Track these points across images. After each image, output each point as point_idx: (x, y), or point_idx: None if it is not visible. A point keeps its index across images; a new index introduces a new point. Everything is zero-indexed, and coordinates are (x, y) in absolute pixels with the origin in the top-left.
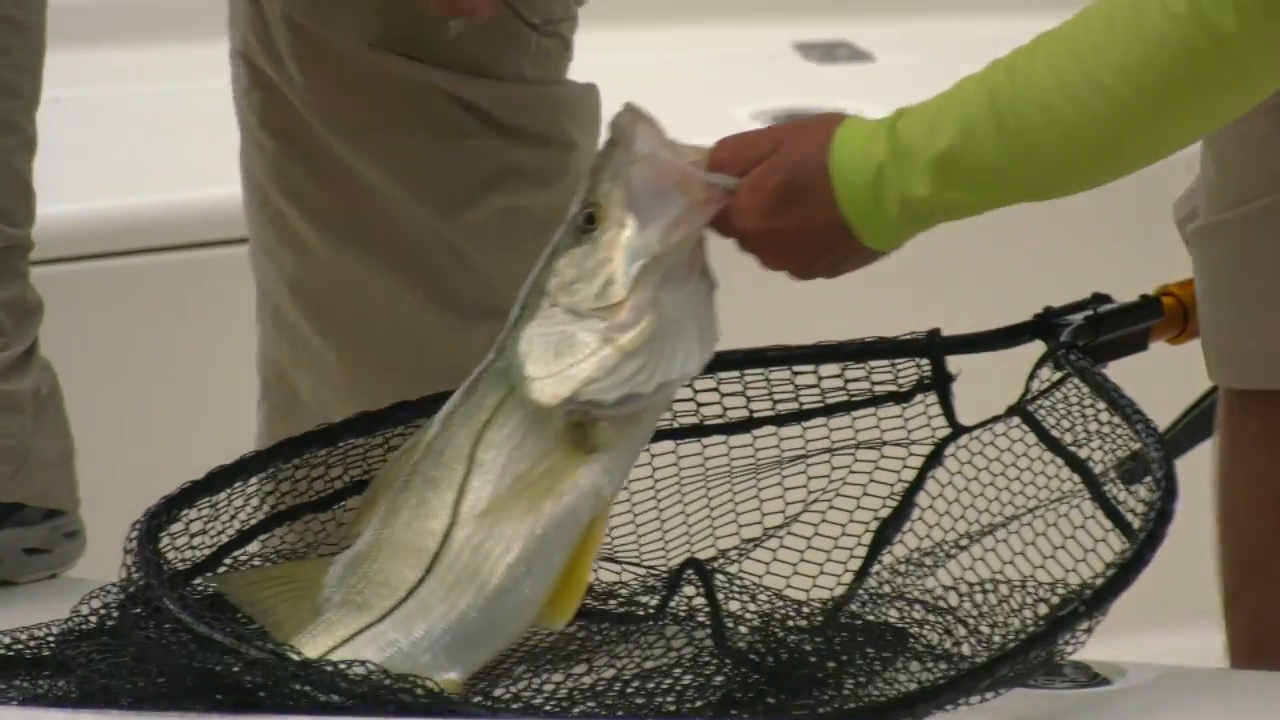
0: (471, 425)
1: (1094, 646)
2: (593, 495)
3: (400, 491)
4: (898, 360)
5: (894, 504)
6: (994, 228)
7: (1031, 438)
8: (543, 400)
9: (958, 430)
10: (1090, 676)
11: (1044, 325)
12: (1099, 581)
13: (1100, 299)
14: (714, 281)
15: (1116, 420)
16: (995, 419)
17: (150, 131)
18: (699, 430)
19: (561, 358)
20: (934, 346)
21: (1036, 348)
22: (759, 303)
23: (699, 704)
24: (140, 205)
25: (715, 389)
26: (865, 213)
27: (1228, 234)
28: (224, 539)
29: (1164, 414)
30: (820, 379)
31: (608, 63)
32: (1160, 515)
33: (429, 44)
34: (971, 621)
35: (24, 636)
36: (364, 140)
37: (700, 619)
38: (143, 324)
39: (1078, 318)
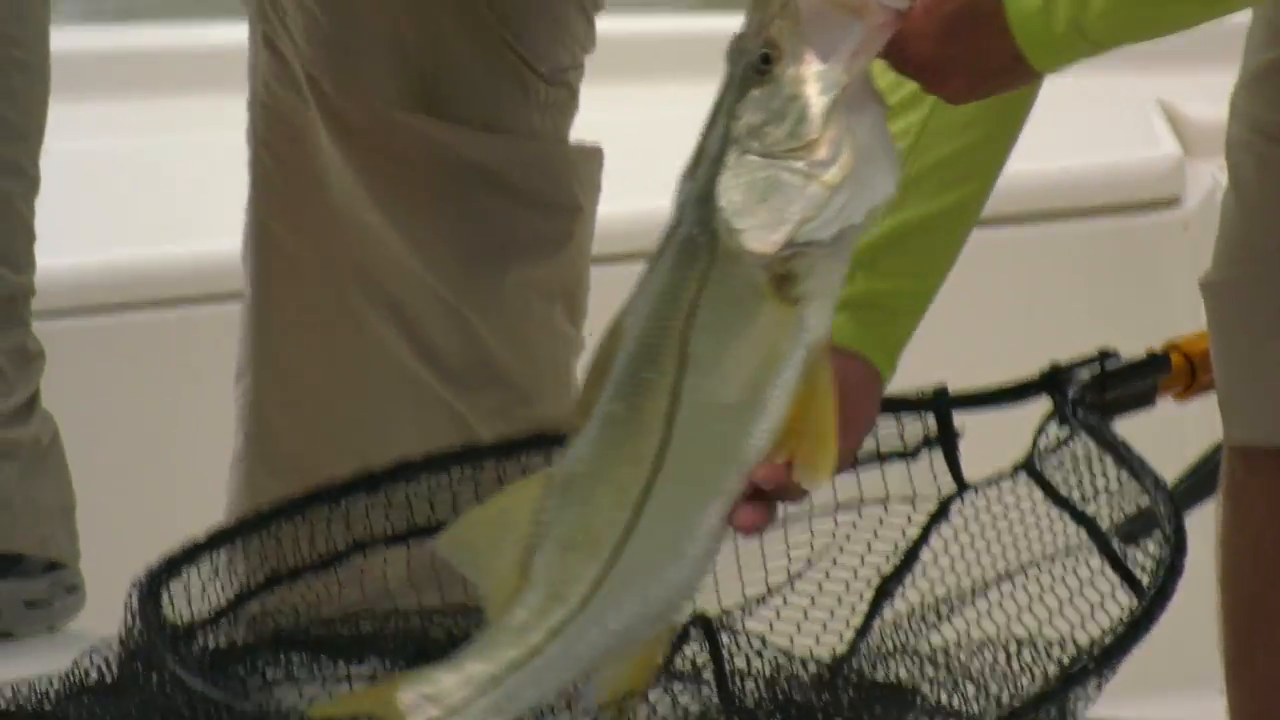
0: (679, 307)
1: (1095, 710)
2: (814, 345)
3: (611, 396)
4: (904, 415)
5: (899, 561)
6: (1001, 282)
7: (1039, 494)
8: (761, 249)
9: (964, 487)
10: None
11: (1051, 382)
12: (1109, 638)
13: (1107, 355)
14: (885, 103)
15: (1124, 476)
16: (1002, 477)
17: (142, 185)
18: None
19: (769, 202)
20: (940, 403)
21: (1044, 404)
22: None
23: None
24: (135, 259)
25: None
26: (1036, 35)
27: (1243, 287)
28: (225, 598)
29: (1166, 472)
30: None
31: (610, 119)
32: (1170, 571)
33: (444, 99)
34: (980, 679)
35: (24, 690)
36: (379, 197)
37: (706, 675)
38: (144, 378)
39: (1084, 374)
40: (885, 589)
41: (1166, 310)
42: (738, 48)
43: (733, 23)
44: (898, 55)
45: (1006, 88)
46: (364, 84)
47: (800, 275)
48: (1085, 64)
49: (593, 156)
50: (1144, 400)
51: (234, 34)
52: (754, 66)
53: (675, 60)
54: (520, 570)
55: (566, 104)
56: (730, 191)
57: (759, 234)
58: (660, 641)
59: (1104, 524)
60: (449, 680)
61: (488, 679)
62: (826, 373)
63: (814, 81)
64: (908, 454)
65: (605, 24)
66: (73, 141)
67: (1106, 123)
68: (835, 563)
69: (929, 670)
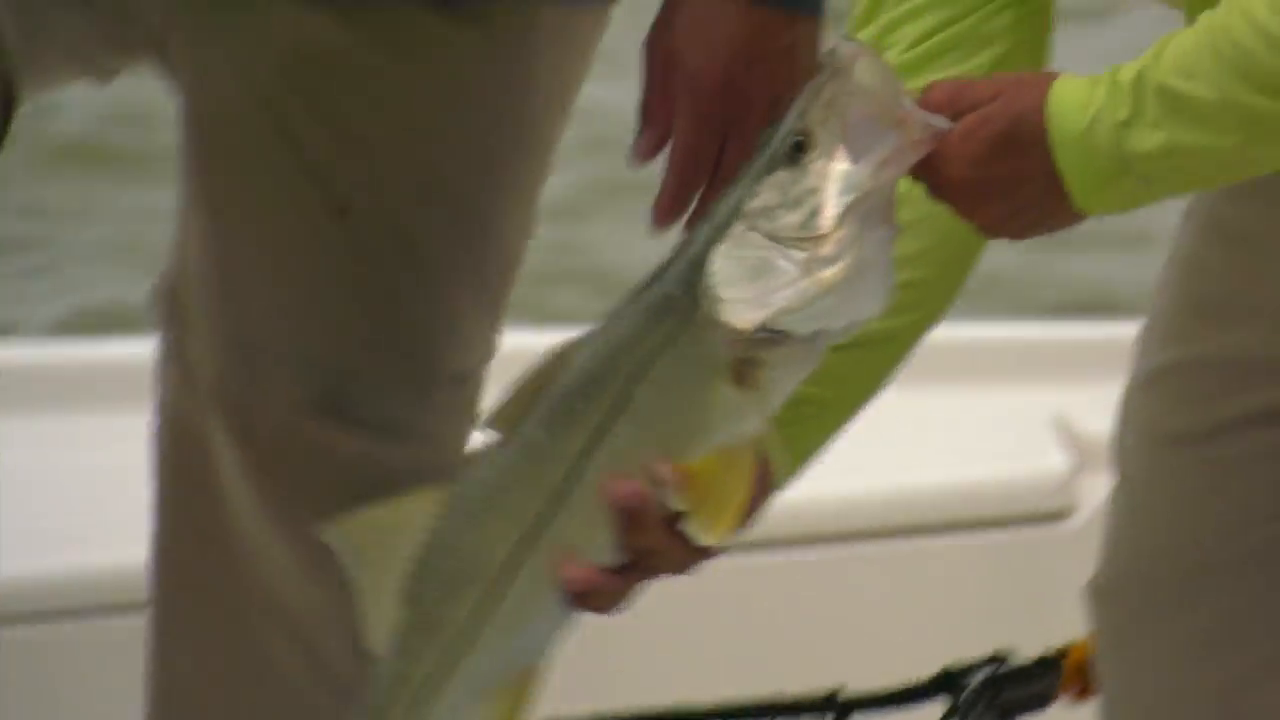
0: (635, 356)
1: None
2: (748, 424)
3: (536, 421)
4: (802, 717)
5: None
6: (898, 589)
7: None
8: (737, 324)
9: None
10: None
11: (947, 683)
12: None
13: (1001, 658)
14: (899, 228)
15: None
16: None
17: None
18: None
19: (758, 282)
20: (838, 704)
21: (941, 706)
22: (677, 656)
23: None
24: (36, 570)
25: None
26: (1078, 161)
27: (1131, 591)
28: None
29: None
30: None
31: None
32: None
33: (348, 404)
34: None
35: None
36: (280, 510)
37: None
38: (42, 694)
39: (979, 676)
40: None
41: (1064, 615)
42: (773, 130)
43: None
44: (932, 176)
45: (1048, 221)
46: (270, 390)
47: (763, 364)
48: (982, 377)
49: None
50: (1040, 701)
51: (140, 349)
52: (786, 150)
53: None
54: (400, 592)
55: (468, 408)
56: (725, 260)
57: (740, 309)
58: (529, 686)
59: None
60: None
61: None
62: (751, 461)
63: (839, 180)
64: None
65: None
66: None
67: (1002, 436)
68: None
69: None
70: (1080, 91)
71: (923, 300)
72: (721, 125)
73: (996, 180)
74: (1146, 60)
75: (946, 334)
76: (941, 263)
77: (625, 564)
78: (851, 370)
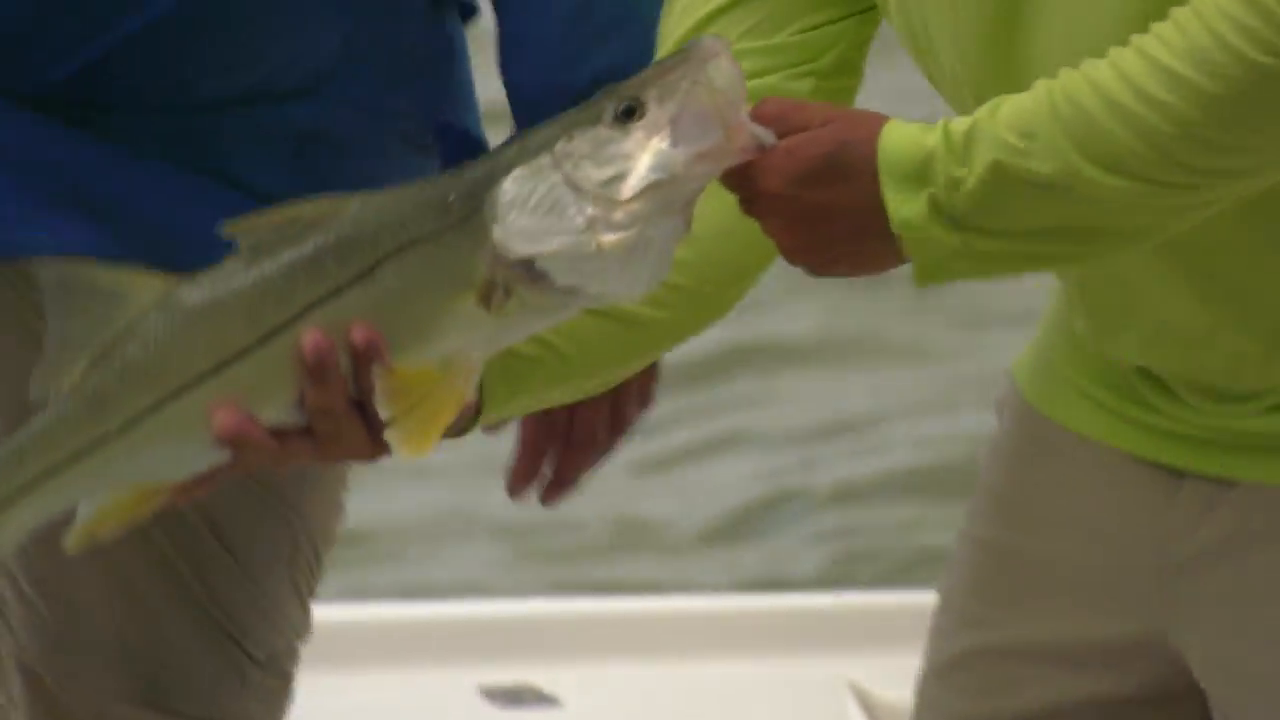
0: (398, 236)
1: None
2: (478, 347)
3: (281, 255)
4: None
5: None
6: None
7: None
8: (507, 246)
9: None
10: None
11: None
12: None
13: None
14: (690, 228)
15: None
16: None
17: None
18: None
19: (540, 218)
20: None
21: None
22: None
23: None
24: None
25: None
26: (903, 196)
27: None
28: None
29: None
30: None
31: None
32: None
33: (164, 691)
34: None
35: None
36: None
37: None
38: None
39: None
40: None
41: None
42: (614, 89)
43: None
44: (748, 187)
45: (858, 259)
46: (86, 678)
47: (513, 294)
48: (777, 645)
49: None
50: None
51: None
52: (616, 110)
53: (390, 649)
54: (90, 355)
55: (282, 691)
56: (518, 185)
57: (513, 235)
58: (145, 504)
59: None
60: None
61: (6, 494)
62: (465, 382)
63: (654, 156)
64: None
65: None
66: None
67: (798, 706)
68: None
69: None
70: (914, 132)
71: (684, 305)
72: (559, 425)
73: (811, 203)
74: (981, 114)
75: (741, 604)
76: (714, 281)
77: (299, 429)
78: (597, 338)
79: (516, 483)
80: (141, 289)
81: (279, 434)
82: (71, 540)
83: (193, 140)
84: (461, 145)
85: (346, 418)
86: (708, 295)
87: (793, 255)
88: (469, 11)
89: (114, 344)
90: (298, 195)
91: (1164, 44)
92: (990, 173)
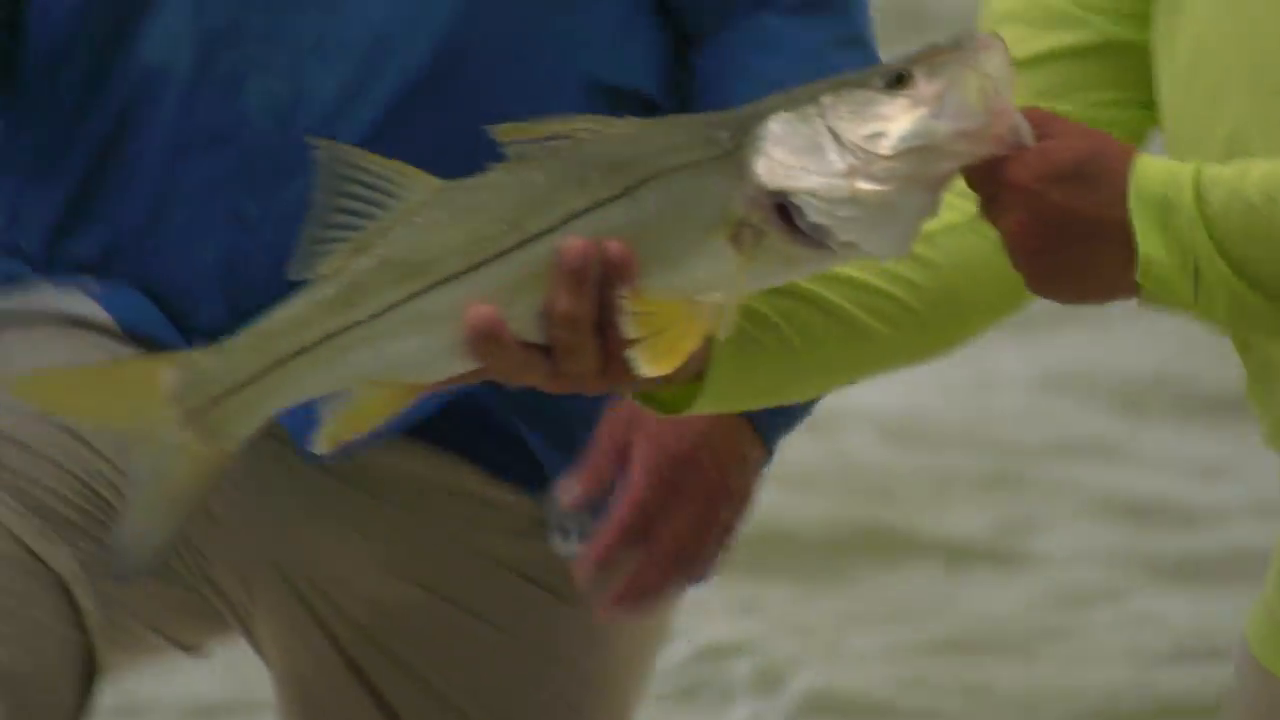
0: (660, 161)
1: None
2: (721, 287)
3: (543, 164)
4: None
5: None
6: None
7: None
8: (762, 179)
9: None
10: None
11: None
12: None
13: None
14: (937, 211)
15: None
16: None
17: None
18: None
19: (801, 157)
20: None
21: None
22: None
23: None
24: None
25: None
26: (1155, 216)
27: None
28: None
29: None
30: None
31: None
32: None
33: None
34: None
35: None
36: None
37: None
38: None
39: None
40: None
41: None
42: (895, 62)
43: None
44: (994, 177)
45: (1090, 274)
46: None
47: (764, 235)
48: None
49: None
50: None
51: None
52: (888, 75)
53: None
54: (349, 250)
55: None
56: (783, 126)
57: (773, 167)
58: (401, 396)
59: None
60: (211, 364)
61: (252, 371)
62: (708, 319)
63: (916, 123)
64: None
65: None
66: None
67: None
68: None
69: None
70: (1168, 164)
71: (909, 327)
72: (668, 495)
73: (1055, 203)
74: (1234, 170)
75: None
76: (943, 311)
77: (539, 344)
78: (823, 336)
79: (599, 559)
80: (411, 183)
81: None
82: (319, 443)
83: (490, 414)
84: None
85: (588, 334)
86: (933, 325)
87: (1023, 257)
88: (651, 108)
89: (376, 234)
90: None
91: None
92: (1238, 218)
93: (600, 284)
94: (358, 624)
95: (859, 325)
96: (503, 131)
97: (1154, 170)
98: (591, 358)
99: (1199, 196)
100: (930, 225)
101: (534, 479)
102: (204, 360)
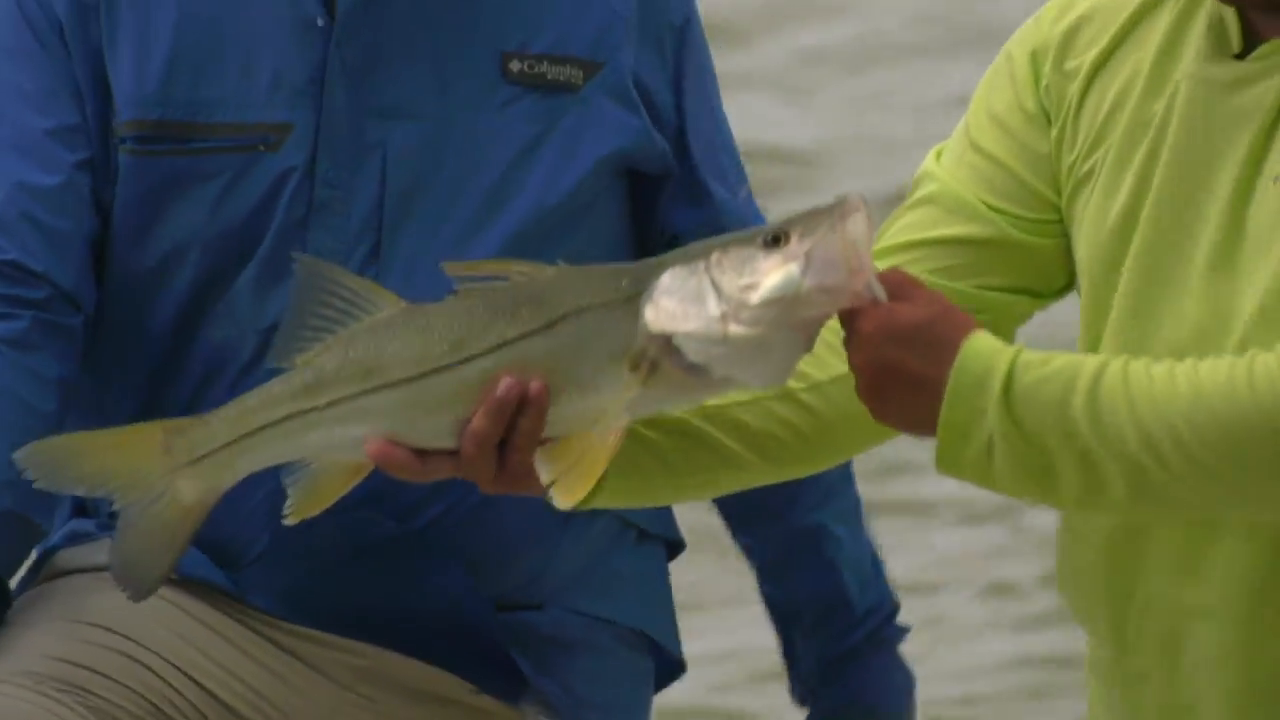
0: (578, 298)
1: None
2: (612, 406)
3: (492, 293)
4: None
5: None
6: None
7: None
8: (650, 321)
9: None
10: None
11: None
12: None
13: None
14: (811, 349)
15: None
16: None
17: None
18: None
19: (684, 303)
20: None
21: None
22: None
23: None
24: None
25: None
26: (969, 385)
27: None
28: None
29: None
30: None
31: None
32: None
33: None
34: None
35: None
36: None
37: None
38: None
39: None
40: None
41: None
42: (773, 224)
43: None
44: (849, 324)
45: (903, 415)
46: None
47: (658, 367)
48: None
49: None
50: None
51: None
52: (765, 237)
53: None
54: (320, 349)
55: None
56: (674, 278)
57: (660, 311)
58: (350, 475)
59: None
60: (197, 430)
61: (228, 438)
62: (614, 439)
63: (784, 276)
64: None
65: None
66: None
67: None
68: None
69: None
70: (995, 342)
71: (782, 457)
72: None
73: (891, 357)
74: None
75: None
76: (815, 444)
77: (445, 451)
78: (705, 465)
79: None
80: (379, 299)
81: (423, 453)
82: (288, 516)
83: (480, 636)
84: (659, 657)
85: (492, 450)
86: (808, 459)
87: (862, 392)
88: (676, 548)
89: (344, 338)
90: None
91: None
92: (1042, 402)
93: (514, 413)
94: None
95: (739, 459)
96: (452, 267)
97: (982, 346)
98: (489, 468)
99: (1009, 376)
100: (819, 375)
101: (515, 691)
102: (190, 427)
